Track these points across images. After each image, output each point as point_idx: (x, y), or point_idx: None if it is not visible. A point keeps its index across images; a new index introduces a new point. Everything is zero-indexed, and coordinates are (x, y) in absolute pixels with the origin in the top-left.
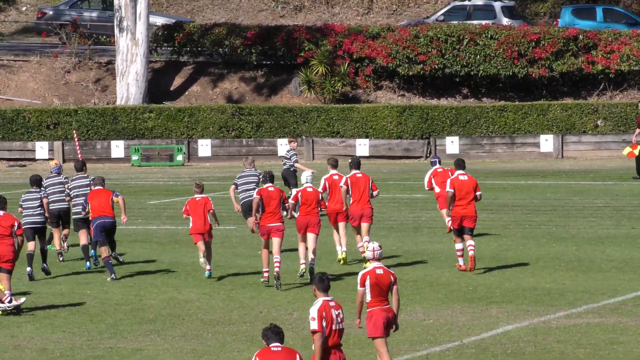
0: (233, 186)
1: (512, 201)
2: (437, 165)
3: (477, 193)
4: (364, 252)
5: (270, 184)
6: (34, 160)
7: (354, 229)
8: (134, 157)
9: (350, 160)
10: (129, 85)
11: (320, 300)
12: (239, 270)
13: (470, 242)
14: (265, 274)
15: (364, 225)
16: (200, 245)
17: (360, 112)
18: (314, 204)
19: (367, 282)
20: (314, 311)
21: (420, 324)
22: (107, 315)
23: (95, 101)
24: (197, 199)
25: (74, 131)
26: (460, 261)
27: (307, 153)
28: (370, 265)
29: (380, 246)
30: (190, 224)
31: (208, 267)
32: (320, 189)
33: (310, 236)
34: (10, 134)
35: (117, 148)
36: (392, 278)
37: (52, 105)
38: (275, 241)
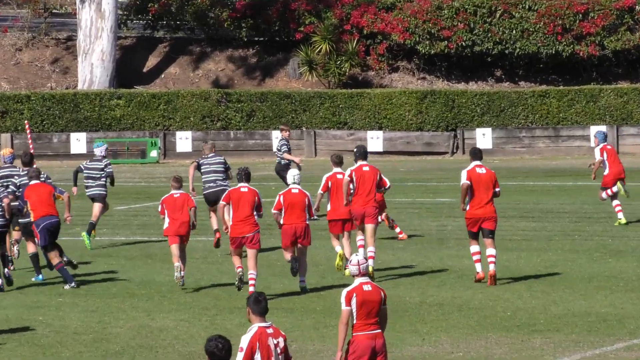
0: (195, 164)
1: (557, 207)
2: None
3: (497, 190)
4: (347, 267)
5: (245, 184)
6: None
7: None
8: None
9: (355, 150)
10: (93, 65)
11: (255, 326)
12: (224, 291)
13: (491, 250)
14: (239, 270)
15: (369, 228)
16: (175, 249)
17: (372, 98)
18: (299, 209)
19: (354, 301)
20: (244, 341)
21: (447, 357)
22: (63, 346)
23: (53, 85)
24: (176, 195)
25: (26, 121)
26: (478, 267)
27: (308, 148)
28: (356, 281)
29: (366, 259)
30: (166, 224)
31: (182, 273)
32: (320, 190)
33: (300, 249)
34: None
35: (78, 142)
36: (382, 295)
37: (0, 90)
38: (251, 254)
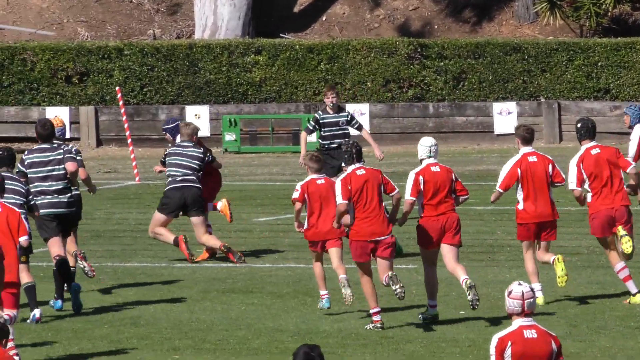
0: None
1: None
2: None
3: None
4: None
5: (360, 165)
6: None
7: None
8: (229, 137)
9: (579, 124)
10: (217, 3)
11: None
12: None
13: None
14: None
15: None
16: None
17: None
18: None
19: (508, 353)
20: None
21: None
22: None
23: (156, 32)
24: (319, 182)
25: (117, 88)
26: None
27: (549, 128)
28: (514, 324)
29: (532, 290)
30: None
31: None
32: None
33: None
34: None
35: (197, 119)
36: (552, 347)
37: (75, 38)
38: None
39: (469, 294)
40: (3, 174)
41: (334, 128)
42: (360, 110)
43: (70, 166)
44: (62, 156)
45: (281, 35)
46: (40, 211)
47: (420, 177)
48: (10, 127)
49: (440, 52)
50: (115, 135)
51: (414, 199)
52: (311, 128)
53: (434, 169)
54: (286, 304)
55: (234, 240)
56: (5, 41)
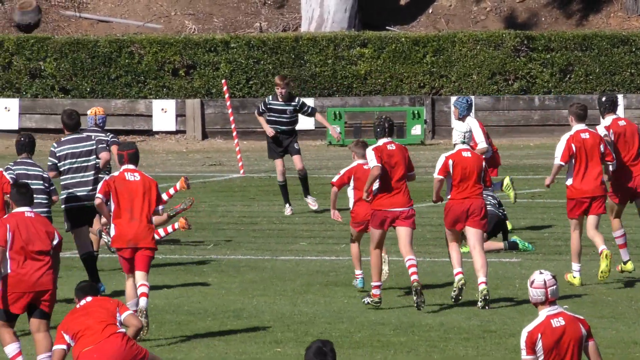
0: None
1: None
2: None
3: None
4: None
5: (390, 139)
6: (149, 133)
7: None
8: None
9: (603, 99)
10: None
11: None
12: None
13: None
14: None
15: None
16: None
17: None
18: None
19: (539, 345)
20: None
21: None
22: None
23: (263, 25)
24: (366, 167)
25: (224, 81)
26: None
27: None
28: (541, 314)
29: (555, 278)
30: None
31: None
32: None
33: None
34: (106, 84)
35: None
36: (582, 332)
37: (182, 30)
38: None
39: (480, 288)
40: (24, 159)
41: (278, 115)
42: None
43: (105, 155)
44: (94, 147)
45: (387, 27)
46: (72, 204)
47: (450, 161)
48: (117, 120)
49: (547, 44)
50: (221, 128)
51: (440, 177)
52: (260, 110)
53: (465, 154)
54: (388, 297)
55: (336, 232)
56: (114, 34)
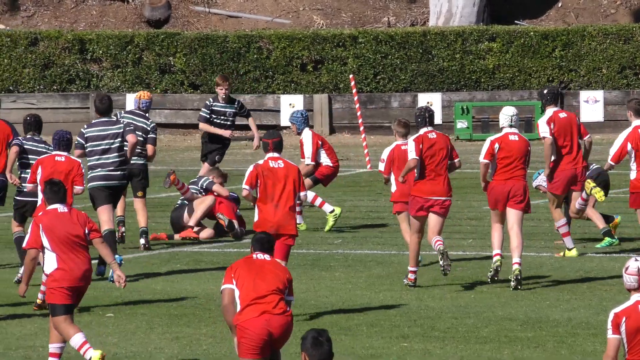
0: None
1: None
2: None
3: None
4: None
5: (431, 128)
6: (277, 128)
7: None
8: (461, 124)
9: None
10: None
11: None
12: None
13: None
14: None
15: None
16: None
17: None
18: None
19: (623, 327)
20: None
21: None
22: None
23: (391, 20)
24: (404, 147)
25: (351, 76)
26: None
27: None
28: (632, 298)
29: None
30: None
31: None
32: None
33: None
34: (234, 80)
35: (430, 106)
36: None
37: (310, 25)
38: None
39: (514, 269)
40: (30, 136)
41: (221, 117)
42: (594, 97)
43: (131, 138)
44: (121, 130)
45: (515, 21)
46: (94, 183)
47: (496, 145)
48: None
49: None
50: (348, 123)
51: (486, 161)
52: (206, 116)
53: (512, 137)
54: (516, 292)
55: (463, 227)
56: (242, 29)
